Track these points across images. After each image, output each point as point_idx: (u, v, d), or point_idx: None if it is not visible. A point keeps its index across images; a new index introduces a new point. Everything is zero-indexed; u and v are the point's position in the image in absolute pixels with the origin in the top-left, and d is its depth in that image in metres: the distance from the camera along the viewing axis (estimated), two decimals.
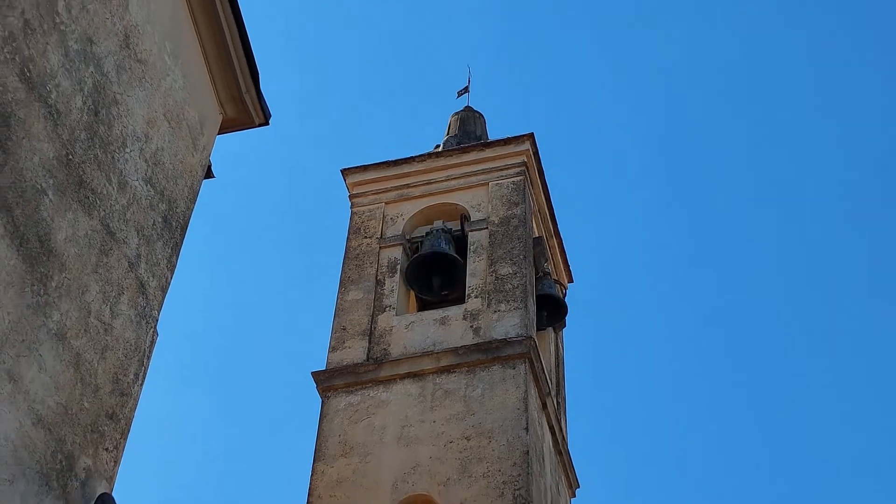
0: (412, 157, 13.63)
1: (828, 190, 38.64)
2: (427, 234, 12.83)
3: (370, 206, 13.32)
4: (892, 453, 35.75)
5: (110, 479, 5.74)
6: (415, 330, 11.82)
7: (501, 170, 13.29)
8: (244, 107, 7.61)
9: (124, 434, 5.93)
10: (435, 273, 12.40)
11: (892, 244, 37.96)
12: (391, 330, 11.88)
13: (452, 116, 15.41)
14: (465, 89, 15.87)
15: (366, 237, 12.98)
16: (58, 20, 5.70)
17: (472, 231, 12.75)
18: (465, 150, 13.65)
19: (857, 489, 35.13)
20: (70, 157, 5.69)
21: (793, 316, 37.48)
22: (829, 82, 39.21)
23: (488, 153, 13.47)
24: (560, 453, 11.99)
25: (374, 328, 11.93)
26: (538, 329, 12.53)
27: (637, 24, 40.52)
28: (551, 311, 13.11)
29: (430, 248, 12.35)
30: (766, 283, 38.24)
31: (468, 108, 15.49)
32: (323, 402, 11.36)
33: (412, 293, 12.77)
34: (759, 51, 39.56)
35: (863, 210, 38.33)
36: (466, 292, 12.08)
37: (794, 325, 37.58)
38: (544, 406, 11.48)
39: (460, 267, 12.33)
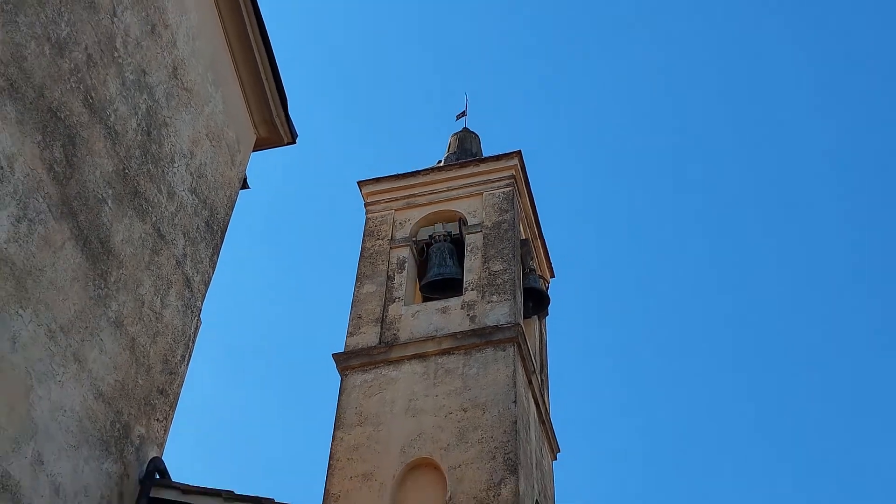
0: (418, 171, 13.65)
1: (793, 178, 37.85)
2: (431, 238, 12.83)
3: (382, 213, 13.34)
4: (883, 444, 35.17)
5: (161, 445, 5.75)
6: (420, 318, 11.83)
7: (493, 182, 13.31)
8: (275, 128, 7.63)
9: (173, 406, 5.95)
10: (441, 287, 12.44)
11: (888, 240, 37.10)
12: (400, 318, 11.89)
13: (452, 136, 15.43)
14: (463, 113, 15.88)
15: (378, 239, 12.99)
16: (116, 55, 5.71)
17: (468, 234, 12.76)
18: (462, 165, 13.66)
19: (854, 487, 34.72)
20: (126, 170, 5.70)
21: (745, 301, 37.49)
22: (823, 84, 37.78)
23: (482, 168, 13.49)
24: (543, 423, 12.00)
25: (386, 316, 11.94)
26: (525, 317, 12.54)
27: (608, 57, 40.55)
28: (536, 301, 13.12)
29: (438, 272, 12.35)
30: (749, 278, 38.18)
31: (465, 130, 15.49)
32: (342, 379, 11.37)
33: (418, 286, 12.78)
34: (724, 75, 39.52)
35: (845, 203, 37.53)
36: (464, 286, 12.09)
37: (745, 305, 37.58)
38: (530, 382, 11.49)
39: (460, 279, 12.37)
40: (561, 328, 27.81)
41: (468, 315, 11.64)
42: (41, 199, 4.87)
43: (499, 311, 11.55)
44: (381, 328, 11.77)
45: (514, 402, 10.53)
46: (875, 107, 37.22)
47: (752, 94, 38.37)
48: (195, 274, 6.37)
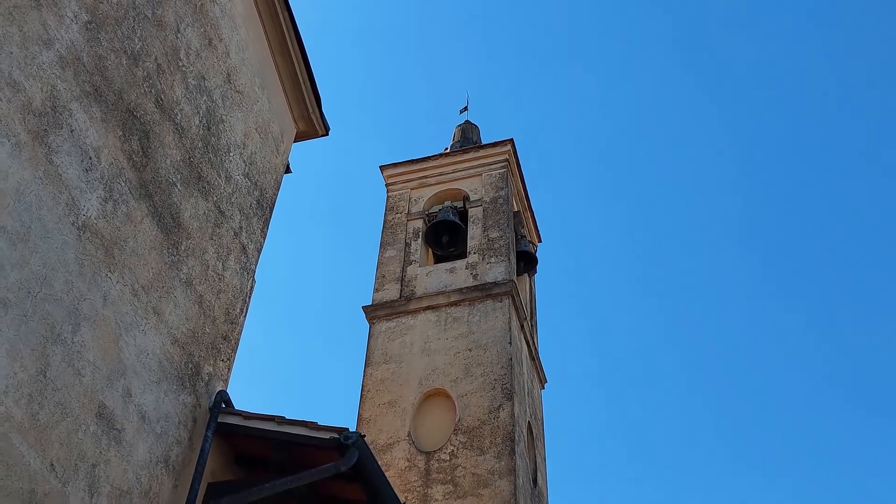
0: (429, 157, 13.59)
1: None
2: (440, 209, 12.82)
3: (400, 192, 13.30)
4: None
5: (225, 381, 5.77)
6: (432, 276, 11.85)
7: (491, 164, 13.25)
8: (311, 123, 7.56)
9: (234, 349, 5.96)
10: (444, 234, 12.44)
11: None
12: (416, 277, 11.91)
13: (456, 127, 15.33)
14: (465, 108, 15.79)
15: (397, 213, 12.97)
16: (180, 64, 5.66)
17: (471, 208, 12.74)
18: (465, 151, 13.59)
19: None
20: (191, 159, 5.67)
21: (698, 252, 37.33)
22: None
23: (482, 153, 13.42)
24: (533, 359, 12.05)
25: (405, 276, 11.96)
26: (517, 274, 12.55)
27: (586, 64, 40.08)
28: (526, 262, 13.12)
29: (442, 216, 12.37)
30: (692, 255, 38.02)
31: (467, 122, 15.40)
32: (370, 326, 11.42)
33: (431, 251, 12.77)
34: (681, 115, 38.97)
35: None
36: (467, 250, 12.11)
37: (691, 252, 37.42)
38: (522, 327, 11.52)
39: (461, 230, 12.35)
40: (547, 283, 27.86)
41: (471, 274, 11.65)
42: (123, 183, 4.85)
43: (496, 270, 11.55)
44: (401, 285, 11.79)
45: (510, 343, 10.57)
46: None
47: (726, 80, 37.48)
48: (249, 243, 6.36)
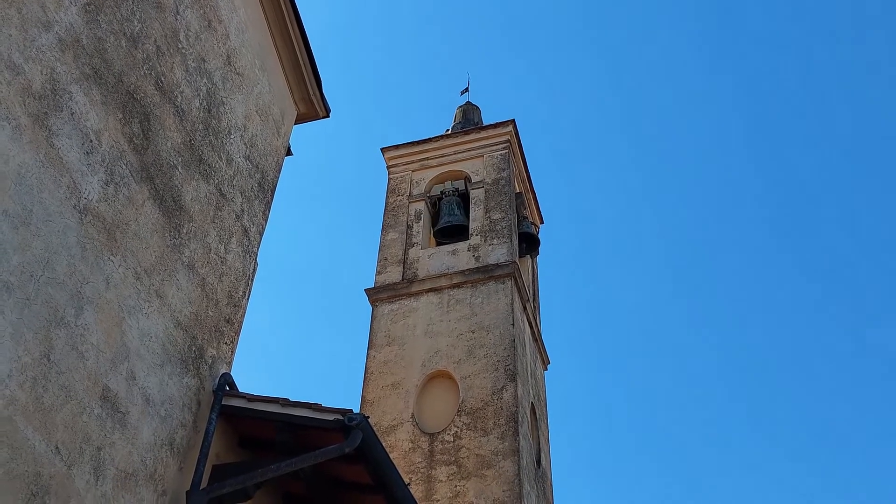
0: (430, 138, 13.54)
1: None
2: (442, 193, 12.78)
3: (401, 173, 13.27)
4: None
5: (229, 363, 5.78)
6: (435, 259, 11.85)
7: (492, 146, 13.20)
8: (312, 105, 7.52)
9: (237, 332, 5.97)
10: (451, 233, 12.43)
11: None
12: (418, 259, 11.91)
13: (457, 109, 15.26)
14: (466, 89, 15.71)
15: (399, 195, 12.95)
16: (180, 46, 5.63)
17: (472, 189, 12.70)
18: (466, 133, 13.54)
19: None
20: (192, 142, 5.65)
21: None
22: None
23: (483, 134, 13.37)
24: (536, 340, 12.07)
25: (407, 258, 11.96)
26: (520, 256, 12.54)
27: (587, 44, 39.82)
28: (529, 243, 13.11)
29: (447, 219, 12.31)
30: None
31: (468, 103, 15.32)
32: (373, 309, 11.44)
33: (432, 233, 12.77)
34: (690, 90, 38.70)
35: None
36: (469, 232, 12.09)
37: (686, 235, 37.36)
38: (525, 308, 11.53)
39: (466, 226, 12.33)
40: (550, 264, 27.85)
41: (474, 256, 11.64)
42: (124, 166, 4.84)
43: (498, 252, 11.54)
44: (404, 268, 11.79)
45: (512, 324, 10.58)
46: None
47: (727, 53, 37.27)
48: (251, 225, 6.35)
